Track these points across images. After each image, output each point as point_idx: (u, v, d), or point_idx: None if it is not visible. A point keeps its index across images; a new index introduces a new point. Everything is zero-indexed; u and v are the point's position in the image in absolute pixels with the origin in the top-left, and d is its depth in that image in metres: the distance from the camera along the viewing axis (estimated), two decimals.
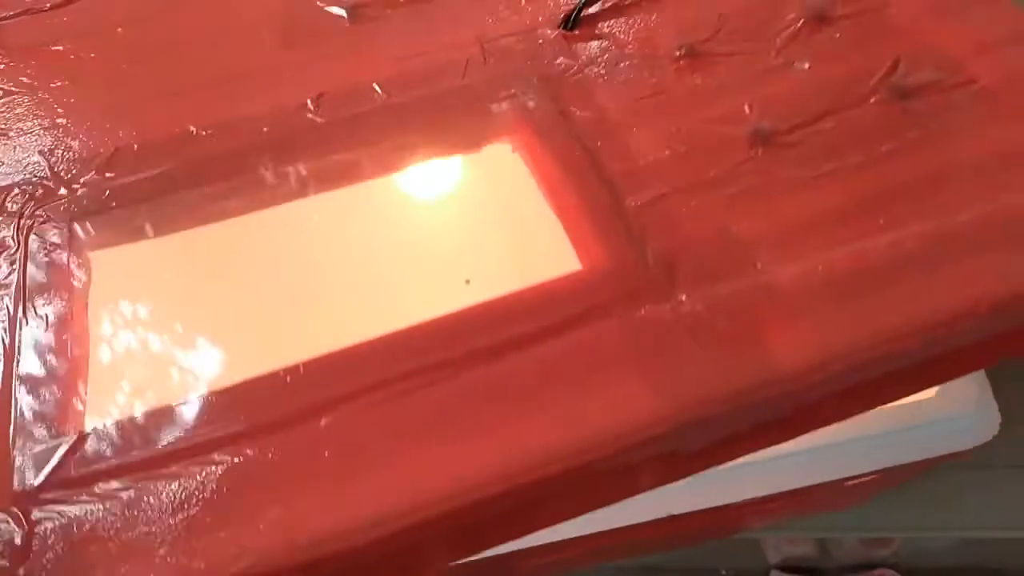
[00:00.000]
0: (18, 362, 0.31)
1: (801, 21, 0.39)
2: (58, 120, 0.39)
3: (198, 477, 0.27)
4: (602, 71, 0.38)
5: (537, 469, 0.26)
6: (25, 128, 0.39)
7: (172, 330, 0.33)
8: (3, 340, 0.31)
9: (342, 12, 0.42)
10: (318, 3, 0.43)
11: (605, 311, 0.30)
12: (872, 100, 0.35)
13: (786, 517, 0.39)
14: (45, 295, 0.33)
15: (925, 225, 0.31)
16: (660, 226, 0.32)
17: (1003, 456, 0.41)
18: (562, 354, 0.29)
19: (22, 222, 0.35)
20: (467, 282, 0.31)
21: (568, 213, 0.33)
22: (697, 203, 0.33)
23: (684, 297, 0.30)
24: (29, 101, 0.39)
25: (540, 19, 0.41)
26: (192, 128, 0.38)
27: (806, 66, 0.37)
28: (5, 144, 0.38)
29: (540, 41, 0.40)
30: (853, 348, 0.28)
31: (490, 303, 0.30)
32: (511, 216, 0.35)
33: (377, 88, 0.38)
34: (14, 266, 0.33)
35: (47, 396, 0.30)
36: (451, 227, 0.35)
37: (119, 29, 0.42)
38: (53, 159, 0.37)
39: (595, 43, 0.39)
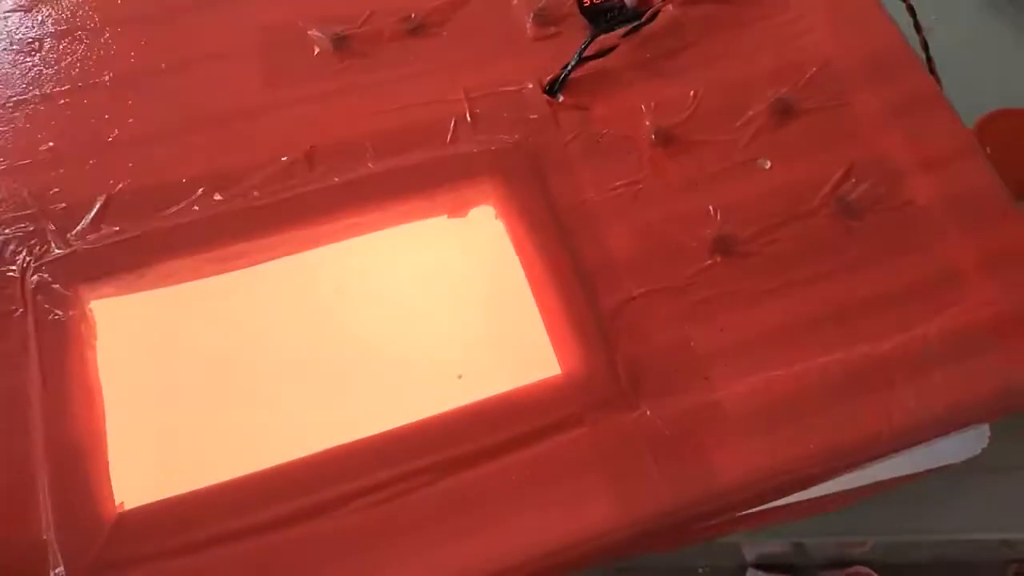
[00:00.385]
0: (39, 437, 0.33)
1: (768, 111, 0.42)
2: (43, 161, 0.39)
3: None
4: (583, 148, 0.40)
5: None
6: (10, 166, 0.38)
7: (178, 400, 0.36)
8: (20, 412, 0.34)
9: (327, 40, 0.42)
10: (299, 23, 0.43)
11: (579, 420, 0.34)
12: (822, 213, 0.39)
13: (767, 525, 0.45)
14: (56, 360, 0.35)
15: (853, 351, 0.36)
16: (629, 332, 0.36)
17: (981, 462, 0.45)
18: (537, 460, 0.34)
19: (26, 282, 0.36)
20: (459, 377, 0.35)
21: (550, 311, 0.37)
22: (662, 309, 0.37)
23: (647, 410, 0.35)
24: (14, 142, 0.39)
25: (525, 74, 0.42)
26: (183, 179, 0.39)
27: (768, 165, 0.40)
28: None
29: (526, 104, 0.41)
30: (784, 468, 0.34)
31: (474, 407, 0.34)
32: (497, 303, 0.38)
33: (368, 145, 0.40)
34: (25, 331, 0.35)
35: (73, 472, 0.33)
36: (440, 314, 0.38)
37: (106, 75, 0.41)
38: (44, 203, 0.38)
39: (577, 113, 0.41)
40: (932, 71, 0.45)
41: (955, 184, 0.40)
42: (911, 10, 0.47)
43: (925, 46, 0.46)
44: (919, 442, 0.36)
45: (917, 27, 0.46)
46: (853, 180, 0.40)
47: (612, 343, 0.36)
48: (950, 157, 0.41)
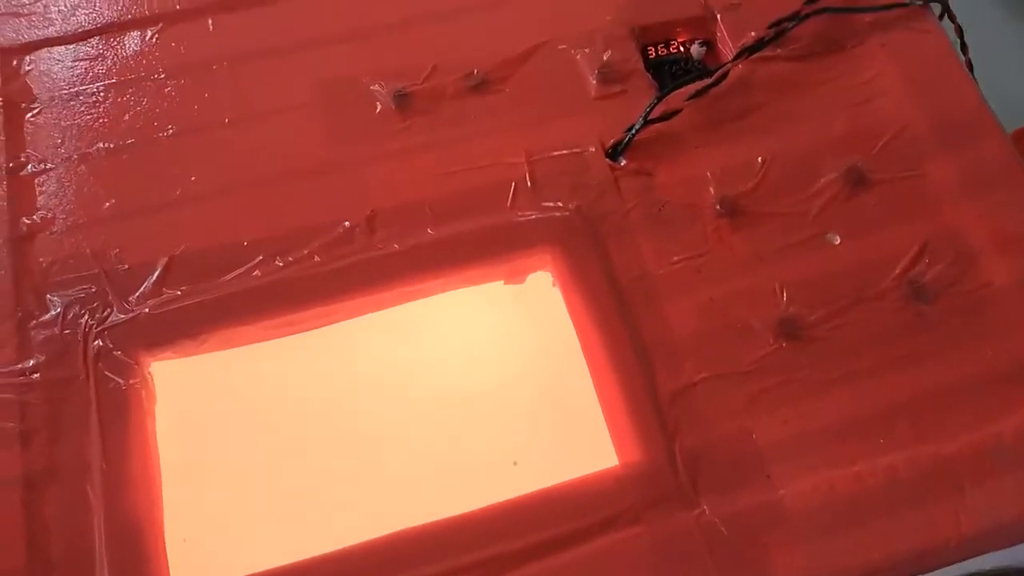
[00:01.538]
0: (99, 510, 0.34)
1: (840, 181, 0.40)
2: (105, 217, 0.39)
3: None
4: (644, 216, 0.40)
5: None
6: (74, 222, 0.39)
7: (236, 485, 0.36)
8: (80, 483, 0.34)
9: (388, 97, 0.41)
10: (363, 77, 0.42)
11: (636, 516, 0.34)
12: (892, 296, 0.38)
13: None
14: (117, 431, 0.35)
15: (921, 450, 0.35)
16: (689, 421, 0.36)
17: None
18: (592, 558, 0.33)
19: (88, 348, 0.36)
20: (515, 463, 0.35)
21: (608, 394, 0.36)
22: (724, 397, 0.36)
23: (706, 508, 0.34)
24: (78, 198, 0.39)
25: (588, 136, 0.41)
26: (245, 242, 0.38)
27: (837, 241, 0.39)
28: (53, 237, 0.38)
29: (587, 168, 0.40)
30: (845, 574, 0.33)
31: (528, 499, 0.34)
32: (554, 381, 0.38)
33: (428, 210, 0.39)
34: (87, 399, 0.35)
35: (131, 550, 0.33)
36: (497, 389, 0.38)
37: (169, 129, 0.40)
38: (105, 263, 0.38)
39: (639, 179, 0.40)
40: (950, 13, 0.44)
41: None
42: (951, 16, 0.45)
43: (970, 66, 0.44)
44: (989, 550, 0.35)
45: (963, 47, 0.45)
46: (927, 260, 0.39)
47: (671, 433, 0.35)
48: None
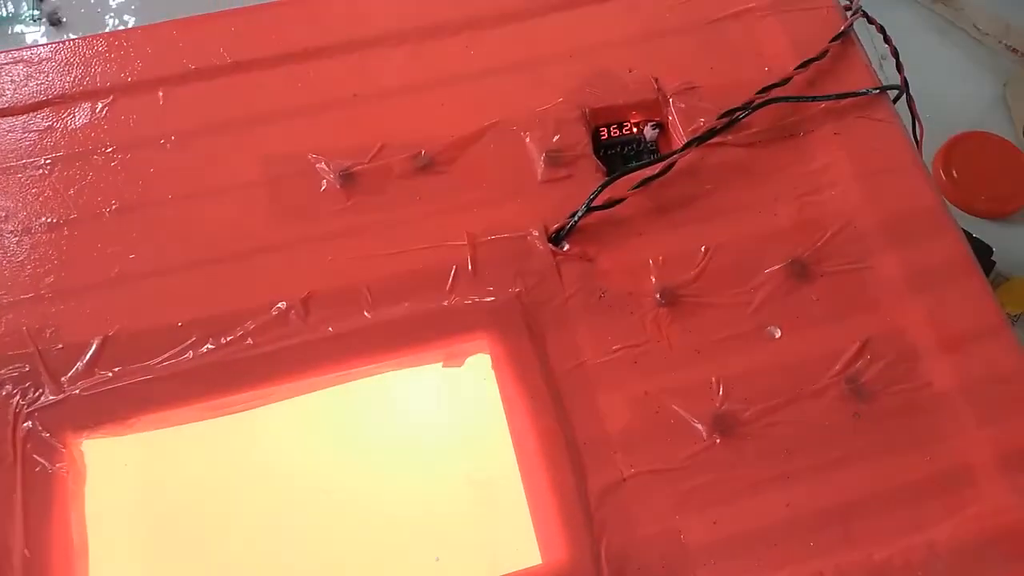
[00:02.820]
0: None
1: (783, 273, 0.40)
2: (43, 295, 0.39)
3: None
4: (584, 304, 0.39)
5: None
6: (12, 299, 0.39)
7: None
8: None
9: (334, 175, 0.41)
10: (309, 157, 0.42)
11: None
12: (830, 394, 0.37)
13: None
14: (41, 517, 0.35)
15: (851, 556, 0.35)
16: (617, 519, 0.35)
17: None
18: None
19: (17, 429, 0.36)
20: (437, 559, 0.35)
21: (535, 489, 0.36)
22: (654, 495, 0.36)
23: None
24: (18, 274, 0.39)
25: (532, 220, 0.41)
26: (179, 323, 0.38)
27: (778, 334, 0.39)
28: None
29: (529, 253, 0.40)
30: None
31: None
32: (483, 471, 0.37)
33: (366, 292, 0.39)
34: (12, 482, 0.35)
35: None
36: (425, 477, 0.38)
37: (112, 204, 0.41)
38: (40, 342, 0.38)
39: (581, 266, 0.40)
40: (909, 97, 0.44)
41: (978, 367, 0.38)
42: (881, 30, 0.46)
43: (899, 67, 0.45)
44: None
45: (895, 54, 0.46)
46: (868, 357, 0.38)
47: (598, 531, 0.35)
48: (975, 336, 0.39)
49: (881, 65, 0.45)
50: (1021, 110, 0.76)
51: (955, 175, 0.73)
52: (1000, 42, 0.79)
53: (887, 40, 0.47)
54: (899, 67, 0.46)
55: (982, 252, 0.67)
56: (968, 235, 0.60)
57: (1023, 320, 0.68)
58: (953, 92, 0.78)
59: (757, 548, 0.35)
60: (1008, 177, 0.74)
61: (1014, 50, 0.78)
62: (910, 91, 0.45)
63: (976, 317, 0.39)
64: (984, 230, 0.72)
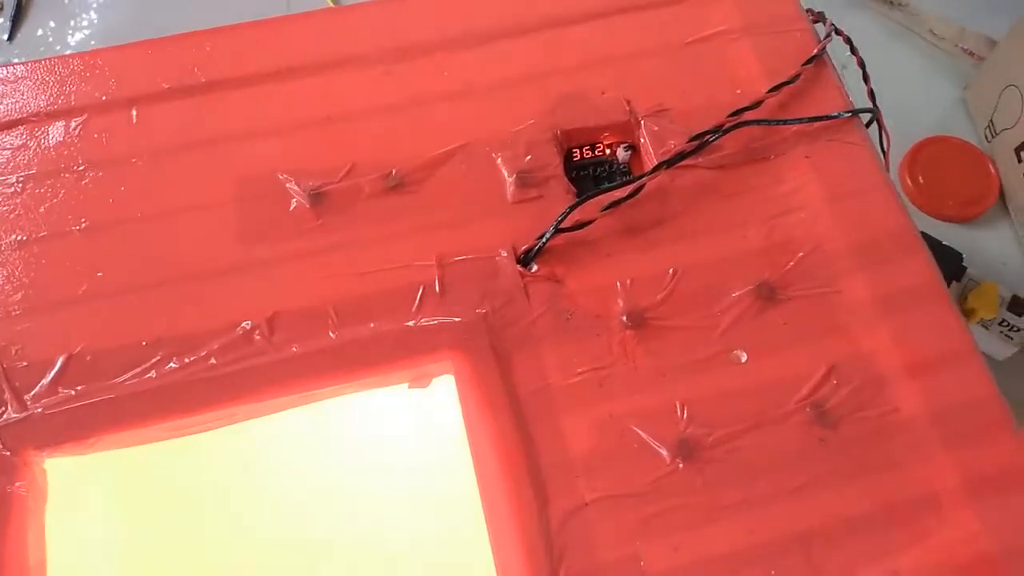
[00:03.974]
0: None
1: (751, 296, 0.40)
2: (11, 312, 0.39)
3: None
4: (551, 325, 0.39)
5: None
6: None
7: None
8: None
9: (304, 195, 0.42)
10: (280, 176, 0.42)
11: None
12: (794, 419, 0.37)
13: None
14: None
15: None
16: (578, 545, 0.35)
17: None
18: None
19: None
20: None
21: (496, 514, 0.36)
22: (615, 520, 0.35)
23: None
24: None
25: (501, 241, 0.41)
26: (143, 342, 0.38)
27: (743, 358, 0.39)
28: None
29: (497, 273, 0.40)
30: None
31: None
32: (444, 496, 0.37)
33: (332, 312, 0.39)
34: None
35: None
36: (383, 502, 0.37)
37: (82, 223, 0.41)
38: (5, 359, 0.38)
39: (548, 287, 0.40)
40: (874, 104, 0.45)
41: (945, 393, 0.38)
42: (848, 41, 0.46)
43: (866, 78, 0.46)
44: None
45: (862, 64, 0.46)
46: (834, 382, 0.38)
47: (558, 557, 0.34)
48: (943, 361, 0.38)
49: (843, 73, 0.45)
50: (982, 113, 0.76)
51: (921, 181, 0.74)
52: (956, 46, 0.79)
53: (854, 51, 0.47)
54: (866, 78, 0.46)
55: (952, 259, 0.67)
56: (938, 243, 0.60)
57: (995, 325, 0.68)
58: (913, 98, 0.79)
59: (719, 575, 0.34)
60: (974, 180, 0.74)
61: (971, 53, 0.79)
62: (875, 100, 0.45)
63: (944, 342, 0.39)
64: (953, 235, 0.72)
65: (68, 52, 0.93)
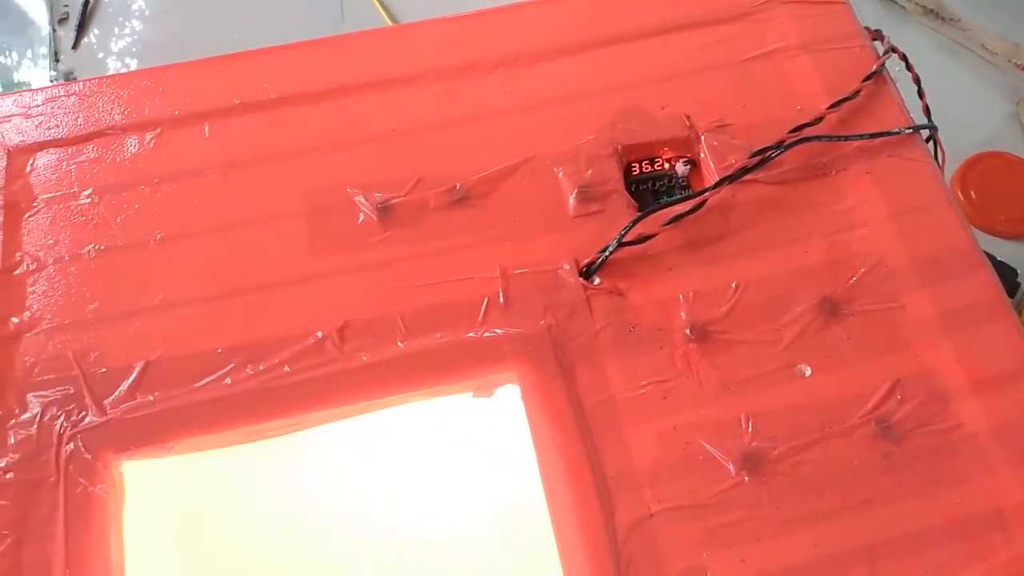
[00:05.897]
0: None
1: (814, 311, 0.40)
2: (89, 320, 0.40)
3: None
4: (614, 338, 0.40)
5: None
6: (59, 323, 0.40)
7: None
8: None
9: (371, 208, 0.42)
10: (348, 190, 0.43)
11: None
12: (859, 433, 0.37)
13: None
14: (80, 536, 0.36)
15: None
16: (644, 556, 0.35)
17: None
18: None
19: (61, 450, 0.37)
20: None
21: (563, 523, 0.36)
22: (681, 532, 0.36)
23: None
24: (64, 299, 0.41)
25: (563, 254, 0.42)
26: (218, 349, 0.40)
27: (807, 372, 0.39)
28: (38, 337, 0.40)
29: (560, 286, 0.41)
30: None
31: None
32: (511, 505, 0.38)
33: (400, 322, 0.40)
34: (55, 501, 0.36)
35: None
36: (452, 510, 0.38)
37: (157, 234, 0.42)
38: (85, 365, 0.39)
39: (611, 300, 0.41)
40: (930, 120, 0.45)
41: (1009, 409, 0.38)
42: (904, 58, 0.46)
43: (921, 94, 0.46)
44: None
45: (917, 81, 0.46)
46: (898, 397, 0.38)
47: (624, 567, 0.35)
48: (1007, 377, 0.38)
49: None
50: None
51: (973, 196, 0.73)
52: (1010, 61, 0.79)
53: (909, 67, 0.47)
54: (921, 94, 0.46)
55: (1007, 275, 0.67)
56: (992, 258, 0.60)
57: None
58: (966, 113, 0.79)
59: None
60: None
61: None
62: (931, 116, 0.45)
63: (1008, 358, 0.39)
64: (1005, 250, 0.72)
65: (112, 58, 0.95)
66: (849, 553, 0.35)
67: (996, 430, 0.37)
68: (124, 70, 0.95)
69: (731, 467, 0.37)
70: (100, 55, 0.96)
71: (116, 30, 0.98)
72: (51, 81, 0.89)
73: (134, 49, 0.97)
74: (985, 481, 0.37)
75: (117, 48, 0.97)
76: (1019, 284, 0.66)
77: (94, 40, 0.97)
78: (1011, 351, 0.39)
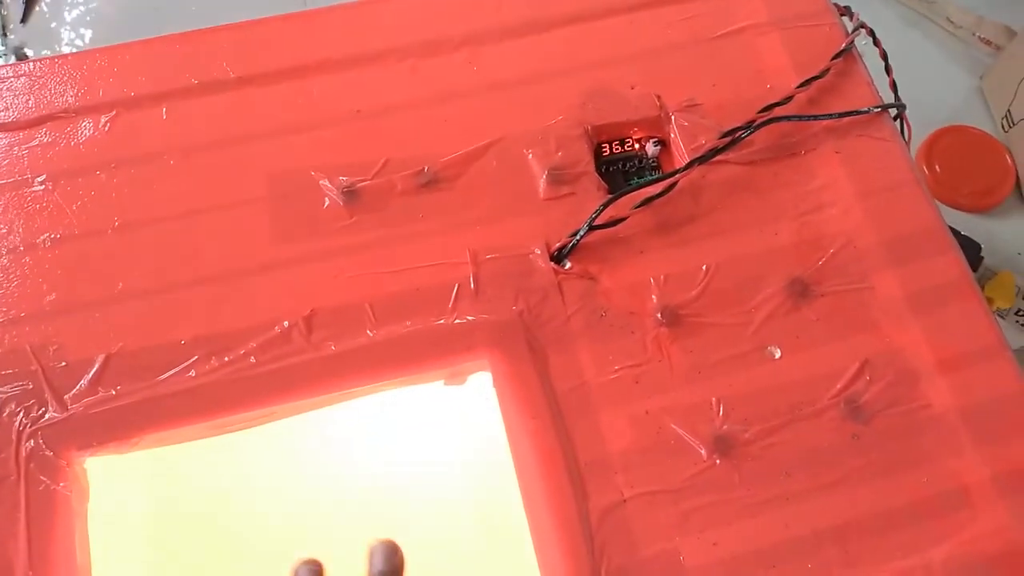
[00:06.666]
0: None
1: (784, 292, 0.40)
2: (47, 312, 0.39)
3: None
4: (586, 323, 0.39)
5: None
6: (15, 316, 0.39)
7: None
8: None
9: (337, 192, 0.42)
10: (312, 173, 0.42)
11: None
12: (828, 415, 0.38)
13: None
14: (44, 534, 0.35)
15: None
16: (618, 540, 0.35)
17: None
18: None
19: (21, 447, 0.36)
20: None
21: (536, 509, 0.36)
22: (654, 516, 0.36)
23: None
24: (20, 290, 0.39)
25: (534, 238, 0.41)
26: (182, 340, 0.39)
27: (777, 354, 0.39)
28: None
29: (531, 270, 0.40)
30: None
31: None
32: (483, 492, 0.37)
33: (369, 310, 0.39)
34: (16, 499, 0.35)
35: None
36: (424, 499, 0.38)
37: (115, 221, 0.41)
38: (44, 359, 0.38)
39: (582, 284, 0.40)
40: (896, 96, 0.46)
41: (975, 389, 0.38)
42: (872, 34, 0.46)
43: (888, 70, 0.46)
44: None
45: (885, 57, 0.46)
46: (867, 378, 0.38)
47: (598, 553, 0.35)
48: (974, 356, 0.39)
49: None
50: (999, 102, 0.76)
51: (937, 170, 0.74)
52: (974, 34, 0.79)
53: (876, 43, 0.47)
54: (888, 69, 0.46)
55: (970, 249, 0.67)
56: (956, 232, 0.60)
57: (1010, 314, 0.68)
58: (930, 87, 0.79)
59: (756, 569, 0.35)
60: (990, 170, 0.74)
61: (988, 42, 0.79)
62: (897, 92, 0.45)
63: (975, 338, 0.39)
64: (969, 224, 0.73)
65: (65, 28, 0.92)
66: (819, 533, 0.36)
67: (962, 409, 0.38)
68: (78, 43, 0.92)
69: (703, 451, 0.37)
70: (53, 24, 0.93)
71: (67, 4, 0.95)
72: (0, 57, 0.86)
73: (88, 18, 0.94)
74: (951, 460, 0.37)
75: (70, 18, 0.94)
76: (982, 259, 0.67)
77: (46, 9, 0.94)
78: (977, 331, 0.39)
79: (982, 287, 0.67)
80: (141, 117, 0.43)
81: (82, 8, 0.95)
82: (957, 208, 0.73)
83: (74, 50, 0.91)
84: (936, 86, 0.78)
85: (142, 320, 0.39)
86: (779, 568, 0.35)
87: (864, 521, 0.36)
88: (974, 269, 0.67)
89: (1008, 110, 0.74)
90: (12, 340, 0.38)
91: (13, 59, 0.86)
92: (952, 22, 0.79)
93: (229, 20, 0.46)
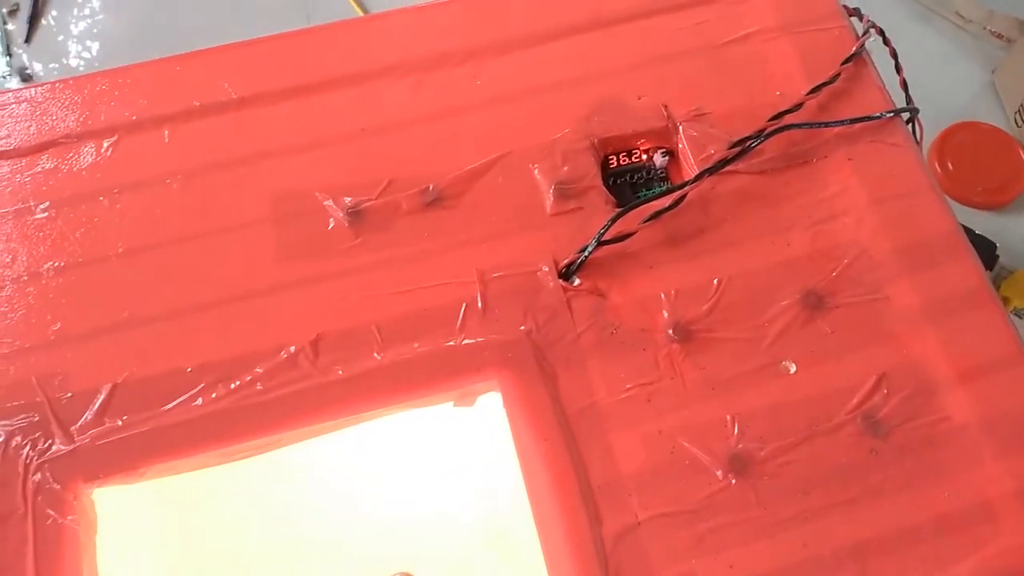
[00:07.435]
0: None
1: (798, 305, 0.39)
2: (51, 342, 0.39)
3: None
4: (596, 341, 0.39)
5: None
6: (20, 346, 0.39)
7: None
8: None
9: (341, 213, 0.41)
10: (317, 194, 0.42)
11: None
12: (846, 430, 0.37)
13: None
14: (52, 570, 0.35)
15: None
16: (632, 565, 0.35)
17: None
18: None
19: (28, 481, 0.36)
20: None
21: (549, 534, 0.35)
22: (669, 539, 0.35)
23: None
24: (24, 321, 0.39)
25: (542, 254, 0.40)
26: (188, 368, 0.38)
27: (792, 369, 0.38)
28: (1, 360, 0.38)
29: (539, 288, 0.40)
30: None
31: None
32: (495, 518, 0.37)
33: (376, 332, 0.39)
34: (24, 535, 0.35)
35: None
36: (436, 523, 0.37)
37: (119, 247, 0.40)
38: (49, 390, 0.38)
39: (592, 301, 0.40)
40: (908, 96, 0.45)
41: (996, 399, 0.37)
42: (882, 34, 0.46)
43: (899, 68, 0.45)
44: None
45: (895, 55, 0.45)
46: (884, 391, 0.38)
47: None
48: (993, 367, 0.38)
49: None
50: (1012, 96, 0.75)
51: (950, 167, 0.73)
52: (984, 28, 0.78)
53: (887, 42, 0.46)
54: (898, 68, 0.45)
55: (985, 249, 0.66)
56: (970, 232, 0.59)
57: None
58: (940, 82, 0.77)
59: None
60: (1003, 166, 0.73)
61: (999, 35, 0.77)
62: (908, 91, 0.44)
63: (995, 347, 0.38)
64: (982, 221, 0.71)
65: (71, 41, 0.92)
66: (838, 552, 0.35)
67: (982, 421, 0.37)
68: (85, 55, 0.92)
69: (718, 470, 0.36)
70: (60, 38, 0.93)
71: (73, 17, 0.95)
72: (3, 78, 0.86)
73: (95, 31, 0.94)
74: (973, 473, 0.36)
75: (76, 31, 0.94)
76: (997, 257, 0.66)
77: (53, 23, 0.94)
78: (997, 340, 0.39)
79: (998, 286, 0.66)
80: (143, 140, 0.43)
81: (88, 21, 0.95)
82: (971, 205, 0.72)
83: (81, 63, 0.91)
84: (947, 82, 0.77)
85: (147, 348, 0.39)
86: None
87: (884, 538, 0.35)
88: (989, 268, 0.66)
89: (1021, 104, 0.73)
90: (18, 372, 0.38)
91: (18, 79, 0.86)
92: (962, 16, 0.78)
93: (234, 32, 0.46)
